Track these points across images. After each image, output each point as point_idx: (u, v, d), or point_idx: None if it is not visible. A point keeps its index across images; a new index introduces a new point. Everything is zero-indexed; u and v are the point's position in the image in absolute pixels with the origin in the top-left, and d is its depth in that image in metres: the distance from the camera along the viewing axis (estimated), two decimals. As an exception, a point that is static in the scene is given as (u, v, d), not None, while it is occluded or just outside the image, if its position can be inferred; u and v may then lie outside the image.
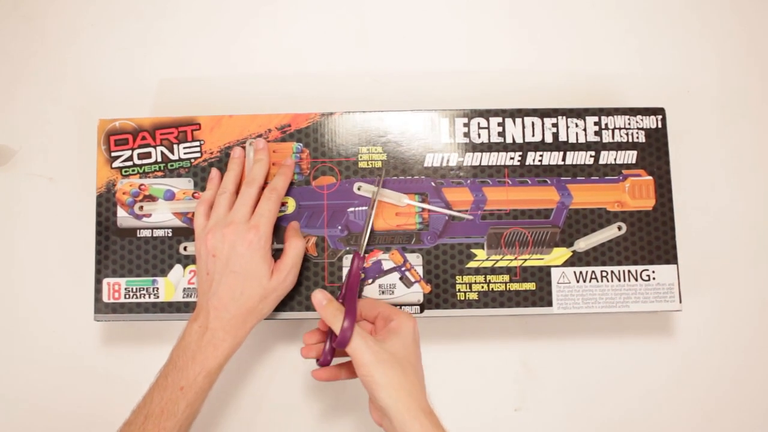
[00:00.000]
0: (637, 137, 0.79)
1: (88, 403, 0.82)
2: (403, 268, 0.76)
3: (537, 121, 0.79)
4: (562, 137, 0.79)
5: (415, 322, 0.69)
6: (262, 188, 0.75)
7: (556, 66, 0.89)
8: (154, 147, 0.79)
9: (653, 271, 0.77)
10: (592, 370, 0.83)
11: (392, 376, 0.63)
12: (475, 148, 0.78)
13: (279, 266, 0.71)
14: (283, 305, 0.75)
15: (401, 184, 0.78)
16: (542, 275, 0.77)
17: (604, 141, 0.79)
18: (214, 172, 0.77)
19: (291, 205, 0.77)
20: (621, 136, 0.79)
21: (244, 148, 0.77)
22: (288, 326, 0.84)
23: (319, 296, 0.69)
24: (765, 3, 0.91)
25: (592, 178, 0.78)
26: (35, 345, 0.84)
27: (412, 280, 0.76)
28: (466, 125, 0.79)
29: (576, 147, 0.79)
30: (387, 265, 0.76)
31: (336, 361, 0.71)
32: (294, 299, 0.76)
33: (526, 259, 0.77)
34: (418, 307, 0.76)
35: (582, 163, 0.79)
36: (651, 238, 0.77)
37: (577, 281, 0.76)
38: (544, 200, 0.78)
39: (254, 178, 0.74)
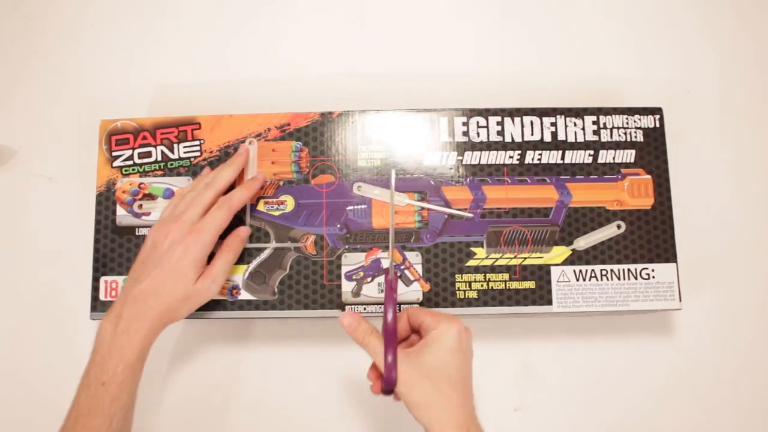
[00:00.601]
0: (636, 137, 0.79)
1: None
2: (402, 267, 0.76)
3: (536, 120, 0.79)
4: (561, 136, 0.79)
5: (460, 326, 0.65)
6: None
7: (555, 66, 0.89)
8: (155, 146, 0.79)
9: (653, 270, 0.77)
10: (592, 369, 0.83)
11: (423, 394, 0.61)
12: (474, 146, 0.78)
13: (206, 272, 0.70)
14: (279, 306, 0.75)
15: (400, 182, 0.78)
16: (542, 274, 0.76)
17: (603, 140, 0.79)
18: (206, 171, 0.77)
19: (290, 204, 0.77)
20: (619, 135, 0.79)
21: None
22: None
23: (348, 320, 0.66)
24: (765, 3, 0.91)
25: (591, 176, 0.78)
26: (35, 344, 0.84)
27: (412, 278, 0.76)
28: (465, 124, 0.79)
29: (575, 146, 0.79)
30: (386, 263, 0.76)
31: None
32: (297, 300, 0.76)
33: (525, 258, 0.77)
34: (418, 305, 0.76)
35: (581, 162, 0.79)
36: (650, 237, 0.77)
37: (577, 280, 0.76)
38: (543, 199, 0.78)
39: (214, 183, 0.73)
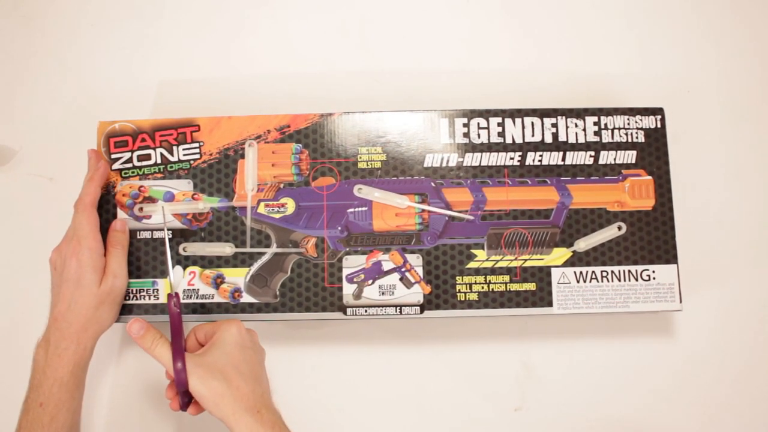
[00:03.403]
0: (637, 137, 0.79)
1: (88, 405, 0.82)
2: (403, 269, 0.76)
3: (536, 121, 0.79)
4: (562, 137, 0.79)
5: (239, 326, 0.70)
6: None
7: (556, 66, 0.89)
8: (154, 149, 0.79)
9: (653, 271, 0.77)
10: (593, 370, 0.83)
11: (214, 386, 0.65)
12: (474, 148, 0.78)
13: (105, 272, 0.72)
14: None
15: (401, 184, 0.78)
16: (542, 275, 0.77)
17: (604, 141, 0.79)
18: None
19: (291, 206, 0.77)
20: (620, 136, 0.79)
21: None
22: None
23: (135, 327, 0.69)
24: (765, 3, 0.91)
25: (592, 178, 0.78)
26: (35, 345, 0.84)
27: (412, 280, 0.76)
28: (466, 125, 0.79)
29: (575, 147, 0.79)
30: (387, 265, 0.76)
31: None
32: (298, 302, 0.76)
33: (526, 260, 0.77)
34: (418, 307, 0.76)
35: (582, 163, 0.78)
36: (651, 238, 0.77)
37: (578, 281, 0.76)
38: (544, 200, 0.78)
39: (78, 199, 0.74)
